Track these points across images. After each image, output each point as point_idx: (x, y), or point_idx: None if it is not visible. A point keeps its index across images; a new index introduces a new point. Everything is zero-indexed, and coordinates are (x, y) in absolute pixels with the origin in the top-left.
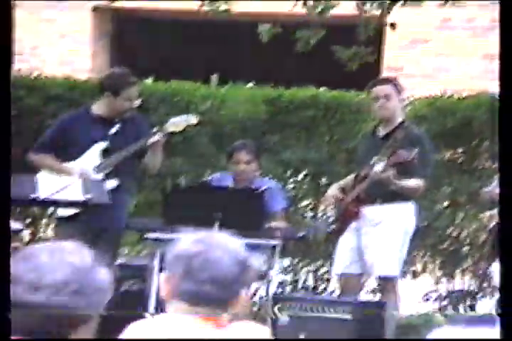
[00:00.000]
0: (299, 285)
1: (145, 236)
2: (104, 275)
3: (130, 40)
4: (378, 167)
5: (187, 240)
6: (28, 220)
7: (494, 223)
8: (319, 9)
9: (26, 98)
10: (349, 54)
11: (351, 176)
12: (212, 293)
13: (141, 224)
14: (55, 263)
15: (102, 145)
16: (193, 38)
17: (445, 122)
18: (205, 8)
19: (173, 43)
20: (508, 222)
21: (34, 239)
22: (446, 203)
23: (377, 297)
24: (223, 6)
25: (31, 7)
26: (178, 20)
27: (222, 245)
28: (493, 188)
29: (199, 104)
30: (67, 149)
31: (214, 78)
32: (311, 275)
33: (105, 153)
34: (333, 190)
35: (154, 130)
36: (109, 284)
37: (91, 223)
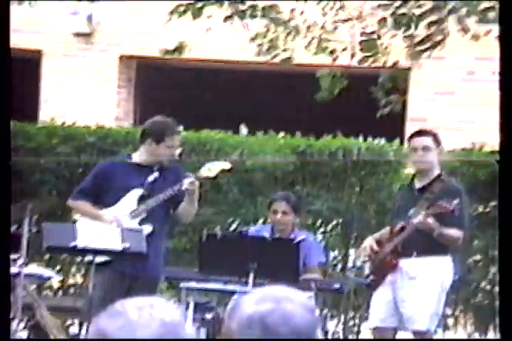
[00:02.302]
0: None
1: (180, 285)
2: (189, 330)
3: (155, 88)
4: (419, 217)
5: (250, 300)
6: (58, 267)
7: None
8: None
9: (59, 147)
10: (386, 99)
11: (386, 228)
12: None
13: (176, 273)
14: (144, 320)
15: (138, 191)
16: (220, 87)
17: (477, 175)
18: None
19: (199, 92)
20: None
21: (63, 285)
22: (478, 257)
23: None
24: (283, 55)
25: (57, 54)
26: (204, 69)
27: (290, 297)
28: None
29: (229, 153)
30: (105, 196)
31: (243, 127)
32: (340, 327)
33: (142, 200)
34: (369, 242)
35: (189, 175)
36: (193, 339)
37: (125, 270)
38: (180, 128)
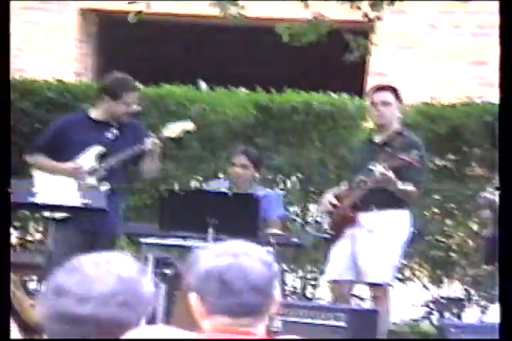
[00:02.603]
0: (287, 292)
1: (141, 241)
2: (148, 285)
3: (116, 43)
4: (379, 169)
5: (208, 255)
6: (17, 223)
7: (485, 230)
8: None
9: (17, 101)
10: (356, 41)
11: (345, 183)
12: (254, 301)
13: (136, 229)
14: (101, 275)
15: (98, 149)
16: (181, 41)
17: (436, 129)
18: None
19: (161, 46)
20: (507, 228)
21: (22, 242)
22: (435, 210)
23: (368, 304)
24: (234, 9)
25: (15, 9)
26: (166, 23)
27: (248, 252)
28: (490, 193)
29: (189, 108)
30: (63, 151)
31: (202, 82)
32: (299, 282)
33: (101, 157)
34: (329, 196)
35: (151, 135)
36: (152, 295)
37: (84, 226)
38: (140, 84)
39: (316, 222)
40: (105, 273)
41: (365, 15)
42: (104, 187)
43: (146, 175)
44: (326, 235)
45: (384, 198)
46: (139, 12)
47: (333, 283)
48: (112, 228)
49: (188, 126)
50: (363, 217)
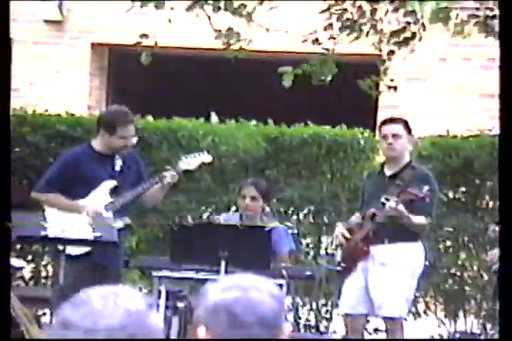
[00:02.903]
0: (300, 325)
1: (153, 274)
2: (156, 319)
3: (127, 76)
4: (390, 203)
5: (217, 288)
6: (29, 257)
7: (497, 265)
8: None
9: (29, 135)
10: (370, 83)
11: (357, 215)
12: (262, 334)
13: (148, 262)
14: (108, 309)
15: (110, 183)
16: (192, 73)
17: (449, 162)
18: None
19: (172, 80)
20: (508, 260)
21: (35, 275)
22: (449, 243)
23: (383, 335)
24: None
25: (27, 44)
26: (177, 57)
27: (257, 286)
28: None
29: (200, 141)
30: (73, 186)
31: (213, 115)
32: (312, 314)
33: (114, 191)
34: (341, 229)
35: (169, 168)
36: (160, 328)
37: (97, 259)
38: (151, 117)
39: (327, 254)
40: (112, 306)
41: (379, 49)
42: (120, 222)
43: (148, 203)
44: (338, 268)
45: (396, 231)
46: (151, 48)
47: (346, 316)
48: (120, 261)
49: (206, 158)
50: (375, 249)
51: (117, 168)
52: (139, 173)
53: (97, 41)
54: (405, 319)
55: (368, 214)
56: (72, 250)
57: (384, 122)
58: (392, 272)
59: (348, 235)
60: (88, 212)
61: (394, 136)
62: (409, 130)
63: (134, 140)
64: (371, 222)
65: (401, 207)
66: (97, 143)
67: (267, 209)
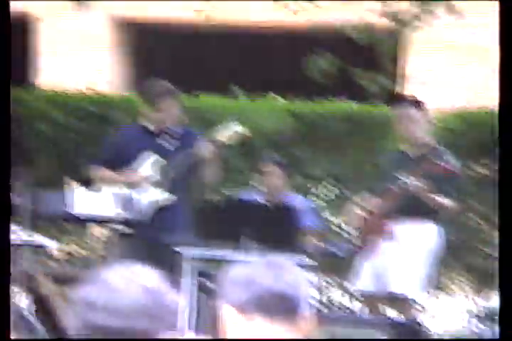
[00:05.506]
0: (324, 303)
1: (179, 251)
2: (174, 297)
3: (150, 52)
4: (411, 180)
5: (239, 267)
6: (57, 235)
7: None
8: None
9: (52, 113)
10: (368, 78)
11: (377, 193)
12: (288, 305)
13: (176, 240)
14: (127, 287)
15: (154, 158)
16: (216, 49)
17: (475, 136)
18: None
19: (194, 55)
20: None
21: (65, 254)
22: (477, 219)
23: (397, 314)
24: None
25: (50, 19)
26: (201, 30)
27: (280, 264)
28: None
29: (226, 117)
30: (121, 164)
31: (236, 90)
32: (337, 293)
33: (159, 166)
34: (360, 206)
35: (203, 140)
36: (177, 305)
37: (146, 238)
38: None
39: (343, 231)
40: (131, 284)
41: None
42: (168, 198)
43: (208, 179)
44: (356, 245)
45: (414, 208)
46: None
47: (362, 294)
48: (170, 239)
49: (239, 128)
50: (393, 227)
51: (166, 144)
52: (188, 148)
53: (120, 16)
54: (419, 296)
55: (387, 192)
56: (122, 229)
57: (397, 103)
58: (406, 250)
59: (366, 212)
60: (136, 180)
61: (409, 119)
62: (423, 109)
63: (179, 114)
64: (390, 199)
65: (420, 183)
66: (143, 120)
67: (289, 183)
